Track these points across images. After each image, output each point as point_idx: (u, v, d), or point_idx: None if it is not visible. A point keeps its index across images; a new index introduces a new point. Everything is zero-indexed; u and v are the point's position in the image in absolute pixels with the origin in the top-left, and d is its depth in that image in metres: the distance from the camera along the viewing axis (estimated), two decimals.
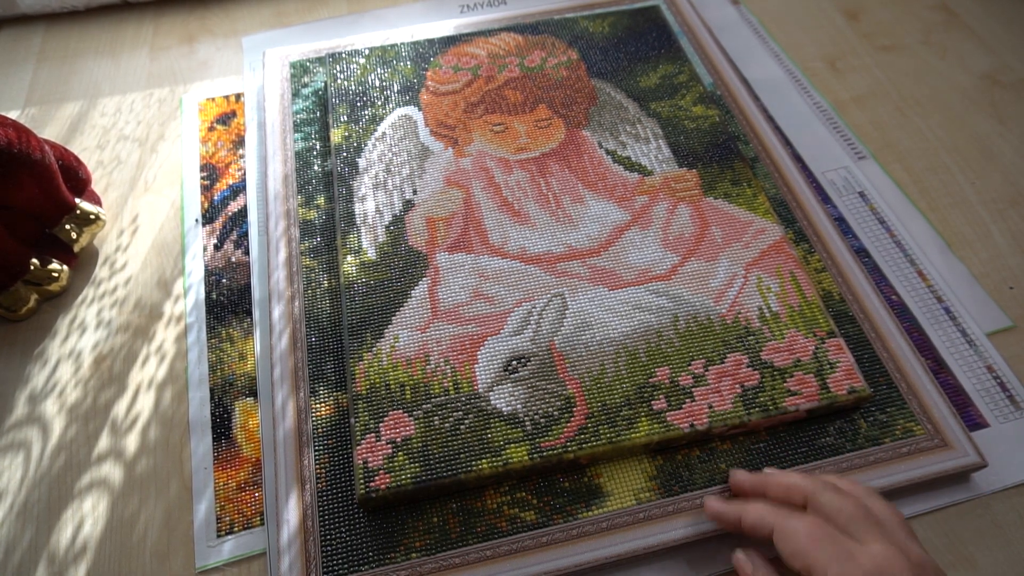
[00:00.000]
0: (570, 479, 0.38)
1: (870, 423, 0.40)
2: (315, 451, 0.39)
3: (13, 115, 0.58)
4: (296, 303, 0.45)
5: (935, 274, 0.47)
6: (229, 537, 0.39)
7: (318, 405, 0.41)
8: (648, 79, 0.55)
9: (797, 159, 0.54)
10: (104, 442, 0.42)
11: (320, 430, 0.40)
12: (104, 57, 0.63)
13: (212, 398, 0.44)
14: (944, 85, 0.59)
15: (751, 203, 0.47)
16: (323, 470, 0.39)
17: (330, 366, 0.42)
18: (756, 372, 0.40)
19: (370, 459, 0.38)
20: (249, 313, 0.47)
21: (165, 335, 0.46)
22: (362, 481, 0.37)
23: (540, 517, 0.37)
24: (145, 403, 0.44)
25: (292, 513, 0.38)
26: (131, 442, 0.42)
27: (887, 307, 0.44)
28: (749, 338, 0.41)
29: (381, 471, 0.37)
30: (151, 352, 0.46)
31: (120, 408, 0.44)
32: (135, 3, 0.68)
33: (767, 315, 0.42)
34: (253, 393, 0.43)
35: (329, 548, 0.37)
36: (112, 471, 0.41)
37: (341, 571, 0.36)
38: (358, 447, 0.38)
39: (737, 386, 0.40)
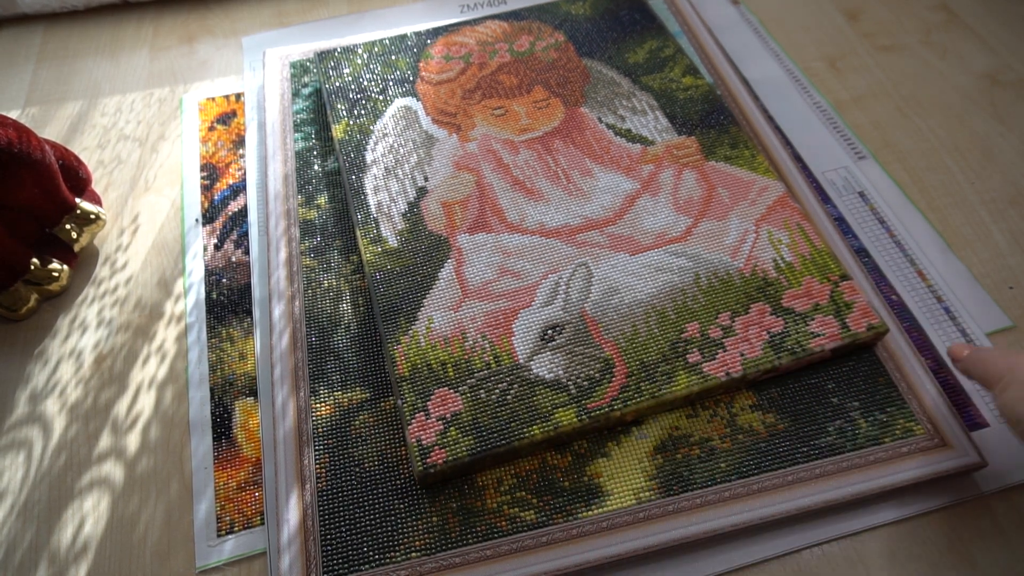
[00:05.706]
0: (570, 478, 0.38)
1: (870, 423, 0.40)
2: (315, 451, 0.39)
3: (13, 115, 0.58)
4: (296, 303, 0.45)
5: (935, 274, 0.47)
6: (229, 537, 0.39)
7: (318, 405, 0.41)
8: (635, 55, 0.56)
9: (797, 159, 0.54)
10: (105, 441, 0.42)
11: (320, 430, 0.40)
12: (104, 57, 0.63)
13: (212, 398, 0.44)
14: (944, 85, 0.59)
15: (751, 163, 0.49)
16: (323, 469, 0.39)
17: (330, 365, 0.42)
18: (780, 319, 0.42)
19: (423, 437, 0.38)
20: (249, 313, 0.47)
21: (165, 335, 0.46)
22: (418, 458, 0.37)
23: (540, 516, 0.37)
24: (146, 403, 0.44)
25: (292, 512, 0.38)
26: (132, 442, 0.42)
27: (887, 307, 0.45)
28: (768, 288, 0.43)
29: (436, 447, 0.38)
30: (151, 352, 0.46)
31: (121, 407, 0.44)
32: (135, 3, 0.68)
33: (782, 265, 0.44)
34: (253, 393, 0.43)
35: (329, 548, 0.37)
36: (113, 471, 0.41)
37: (341, 570, 0.36)
38: (409, 426, 0.39)
39: (764, 333, 0.41)
